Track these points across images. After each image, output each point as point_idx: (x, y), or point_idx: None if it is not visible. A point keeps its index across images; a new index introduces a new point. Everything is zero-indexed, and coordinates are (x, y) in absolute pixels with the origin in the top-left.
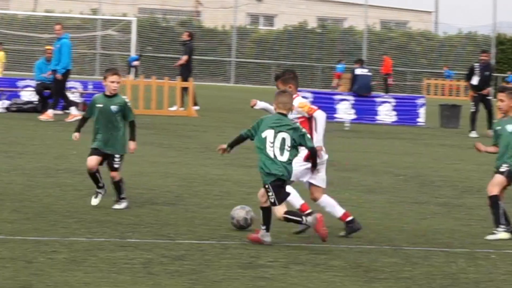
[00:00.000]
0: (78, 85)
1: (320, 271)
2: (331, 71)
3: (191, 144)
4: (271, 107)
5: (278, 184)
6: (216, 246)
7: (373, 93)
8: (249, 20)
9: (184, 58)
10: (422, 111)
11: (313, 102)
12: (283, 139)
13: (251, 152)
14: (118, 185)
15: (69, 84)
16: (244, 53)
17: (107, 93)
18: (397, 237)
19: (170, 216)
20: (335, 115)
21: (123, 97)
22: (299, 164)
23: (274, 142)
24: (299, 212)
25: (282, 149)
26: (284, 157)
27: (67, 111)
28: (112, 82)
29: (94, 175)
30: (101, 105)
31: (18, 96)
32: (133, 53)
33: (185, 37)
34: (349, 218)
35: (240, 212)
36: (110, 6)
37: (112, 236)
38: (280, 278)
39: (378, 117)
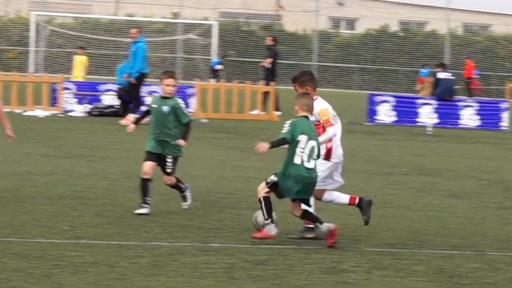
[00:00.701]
0: (159, 89)
1: (403, 276)
2: (414, 75)
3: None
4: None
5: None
6: (298, 250)
7: (456, 97)
8: (330, 24)
9: (268, 60)
10: (505, 115)
11: (395, 107)
12: (312, 148)
13: None
14: (177, 187)
15: (149, 88)
16: (325, 57)
17: (163, 95)
18: (480, 242)
19: (251, 221)
20: (417, 119)
21: (178, 99)
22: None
23: (304, 149)
24: (318, 218)
25: (310, 156)
26: (311, 164)
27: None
28: (167, 85)
29: (146, 184)
30: (155, 106)
31: (100, 100)
32: (214, 57)
33: (269, 41)
34: (357, 200)
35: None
36: (192, 10)
37: (194, 241)
38: (363, 283)
39: (461, 121)
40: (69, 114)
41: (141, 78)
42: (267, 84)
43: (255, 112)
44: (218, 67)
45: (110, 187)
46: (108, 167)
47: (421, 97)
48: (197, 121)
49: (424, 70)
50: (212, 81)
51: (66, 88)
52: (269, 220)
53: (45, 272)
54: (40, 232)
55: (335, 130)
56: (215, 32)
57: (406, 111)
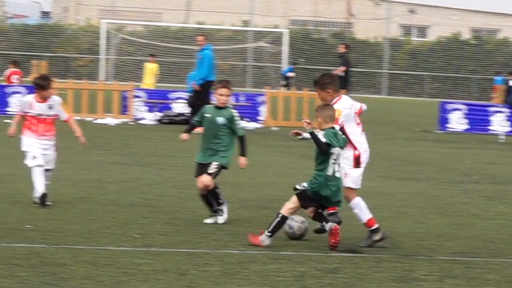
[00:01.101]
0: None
1: (474, 285)
2: (486, 82)
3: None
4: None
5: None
6: (369, 259)
7: None
8: (401, 31)
9: (341, 68)
10: None
11: (467, 115)
12: (338, 155)
13: (406, 164)
14: (214, 193)
15: None
16: (396, 65)
17: (217, 104)
18: None
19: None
20: (490, 127)
21: (233, 111)
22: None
23: (336, 160)
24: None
25: (338, 164)
26: (339, 173)
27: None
28: (221, 95)
29: (206, 197)
30: (209, 115)
31: (170, 108)
32: (285, 65)
33: (341, 49)
34: (375, 226)
35: (297, 224)
36: (262, 18)
37: (265, 249)
38: None
39: None
40: (140, 122)
41: (206, 85)
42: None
43: None
44: (290, 74)
45: (180, 195)
46: (177, 174)
47: (493, 105)
48: (267, 129)
49: (498, 78)
50: (283, 89)
51: (137, 96)
52: (271, 234)
53: (114, 280)
54: (110, 240)
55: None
56: (285, 40)
57: (478, 119)
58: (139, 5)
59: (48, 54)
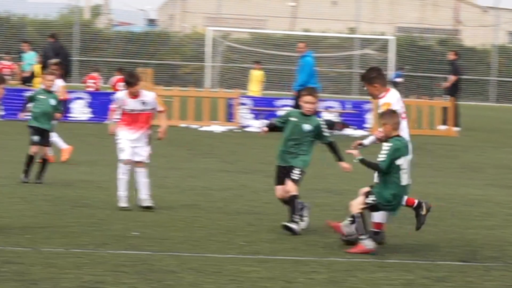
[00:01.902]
0: (336, 104)
1: None
2: None
3: (451, 164)
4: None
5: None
6: (478, 268)
7: None
8: (510, 38)
9: (453, 78)
10: None
11: None
12: (407, 163)
13: None
14: (292, 201)
15: (325, 103)
16: (505, 72)
17: (303, 111)
18: None
19: (430, 237)
20: None
21: (319, 119)
22: None
23: (406, 168)
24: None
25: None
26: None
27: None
28: (307, 102)
29: (287, 202)
30: (295, 120)
31: (276, 116)
32: (391, 72)
33: (451, 56)
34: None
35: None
36: (368, 25)
37: (372, 257)
38: None
39: None
40: (246, 129)
41: None
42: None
43: (443, 127)
44: (398, 80)
45: None
46: None
47: None
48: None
49: None
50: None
51: (243, 104)
52: (366, 235)
53: (222, 287)
54: (217, 247)
55: None
56: (391, 47)
57: None
58: (245, 12)
59: (153, 62)
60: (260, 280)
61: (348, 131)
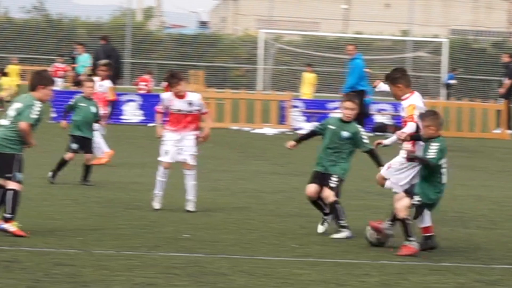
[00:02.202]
0: (388, 107)
1: None
2: None
3: (505, 167)
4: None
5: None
6: None
7: None
8: None
9: (508, 82)
10: None
11: None
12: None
13: None
14: (333, 207)
15: (379, 106)
16: None
17: (342, 117)
18: None
19: (483, 240)
20: None
21: (358, 126)
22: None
23: (445, 168)
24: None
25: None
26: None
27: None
28: (347, 108)
29: (315, 202)
30: (333, 128)
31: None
32: (444, 75)
33: (505, 58)
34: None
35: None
36: (421, 28)
37: (424, 260)
38: None
39: None
40: (298, 132)
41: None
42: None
43: (498, 131)
44: (452, 81)
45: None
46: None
47: None
48: None
49: None
50: (441, 99)
51: (295, 106)
52: (413, 238)
53: None
54: (268, 250)
55: (414, 126)
56: (445, 50)
57: None
58: (297, 14)
59: (205, 64)
60: (312, 283)
61: (366, 137)
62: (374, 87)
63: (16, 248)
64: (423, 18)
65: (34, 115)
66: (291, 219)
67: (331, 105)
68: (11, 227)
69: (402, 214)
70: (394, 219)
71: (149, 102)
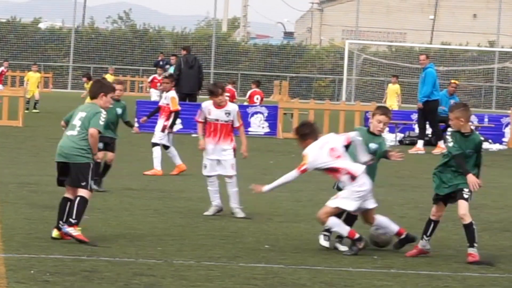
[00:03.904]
0: (473, 118)
1: None
2: None
3: None
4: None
5: None
6: None
7: None
8: None
9: None
10: None
11: None
12: None
13: None
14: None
15: None
16: None
17: (373, 131)
18: None
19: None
20: None
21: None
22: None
23: None
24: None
25: None
26: None
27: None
28: (380, 122)
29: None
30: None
31: (412, 129)
32: None
33: None
34: (356, 236)
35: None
36: (509, 38)
37: (506, 272)
38: None
39: None
40: None
41: (431, 104)
42: None
43: None
44: None
45: (421, 217)
46: (419, 196)
47: None
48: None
49: None
50: None
51: None
52: (476, 244)
53: None
54: (350, 261)
55: None
56: None
57: None
58: (384, 25)
59: (289, 74)
60: None
61: (486, 145)
62: None
63: (95, 258)
64: (511, 29)
65: (102, 121)
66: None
67: (415, 116)
68: (75, 231)
69: (467, 219)
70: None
71: None
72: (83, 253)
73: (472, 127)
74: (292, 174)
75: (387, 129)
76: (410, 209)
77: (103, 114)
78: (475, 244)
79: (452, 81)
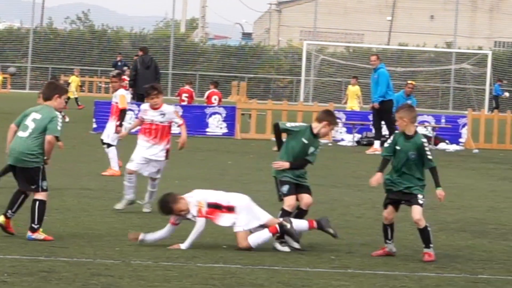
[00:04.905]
0: (430, 119)
1: None
2: None
3: None
4: None
5: None
6: None
7: None
8: None
9: None
10: None
11: None
12: None
13: None
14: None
15: (421, 117)
16: None
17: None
18: None
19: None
20: None
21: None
22: None
23: None
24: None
25: None
26: None
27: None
28: (329, 130)
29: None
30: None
31: (370, 130)
32: (487, 87)
33: None
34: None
35: None
36: (465, 39)
37: (463, 272)
38: None
39: None
40: (338, 143)
41: (385, 104)
42: None
43: None
44: (507, 94)
45: (378, 217)
46: (376, 197)
47: None
48: (469, 152)
49: None
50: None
51: (336, 118)
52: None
53: None
54: (307, 261)
55: None
56: (489, 62)
57: None
58: (342, 26)
59: (248, 75)
60: None
61: (443, 146)
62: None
63: (53, 258)
64: (467, 30)
65: (60, 126)
66: None
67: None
68: (40, 235)
69: (422, 223)
70: None
71: (190, 113)
72: (41, 254)
73: (418, 129)
74: (200, 223)
75: (344, 129)
76: (367, 210)
77: (59, 118)
78: (431, 245)
79: (409, 81)
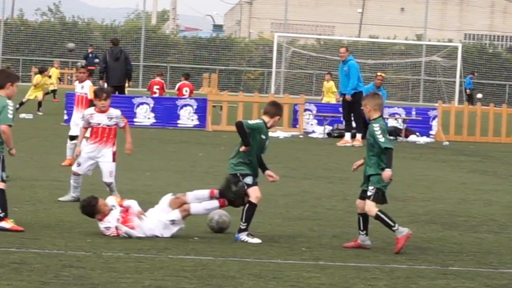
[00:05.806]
0: (400, 111)
1: None
2: None
3: None
4: None
5: None
6: None
7: None
8: None
9: None
10: None
11: None
12: None
13: None
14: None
15: (391, 110)
16: None
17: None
18: None
19: (493, 245)
20: None
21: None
22: None
23: None
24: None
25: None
26: None
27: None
28: (275, 121)
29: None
30: (264, 137)
31: (341, 122)
32: (457, 79)
33: None
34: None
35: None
36: (436, 32)
37: (433, 264)
38: None
39: None
40: (309, 135)
41: (356, 96)
42: None
43: None
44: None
45: (350, 209)
46: (347, 189)
47: None
48: (439, 144)
49: None
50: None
51: (307, 110)
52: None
53: None
54: (278, 253)
55: None
56: (459, 54)
57: None
58: (312, 18)
59: (219, 67)
60: (321, 286)
61: (413, 138)
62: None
63: (24, 250)
64: (438, 23)
65: (11, 115)
66: (301, 223)
67: None
68: (7, 224)
69: (373, 212)
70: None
71: (161, 105)
72: (12, 245)
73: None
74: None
75: (315, 121)
76: (338, 202)
77: (11, 105)
78: (394, 228)
79: (379, 73)
